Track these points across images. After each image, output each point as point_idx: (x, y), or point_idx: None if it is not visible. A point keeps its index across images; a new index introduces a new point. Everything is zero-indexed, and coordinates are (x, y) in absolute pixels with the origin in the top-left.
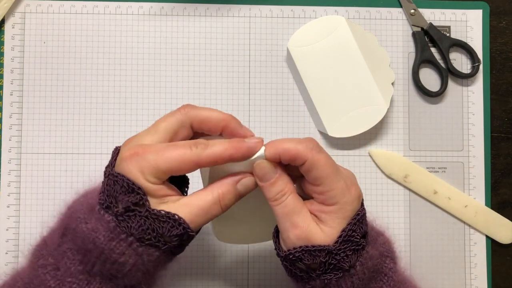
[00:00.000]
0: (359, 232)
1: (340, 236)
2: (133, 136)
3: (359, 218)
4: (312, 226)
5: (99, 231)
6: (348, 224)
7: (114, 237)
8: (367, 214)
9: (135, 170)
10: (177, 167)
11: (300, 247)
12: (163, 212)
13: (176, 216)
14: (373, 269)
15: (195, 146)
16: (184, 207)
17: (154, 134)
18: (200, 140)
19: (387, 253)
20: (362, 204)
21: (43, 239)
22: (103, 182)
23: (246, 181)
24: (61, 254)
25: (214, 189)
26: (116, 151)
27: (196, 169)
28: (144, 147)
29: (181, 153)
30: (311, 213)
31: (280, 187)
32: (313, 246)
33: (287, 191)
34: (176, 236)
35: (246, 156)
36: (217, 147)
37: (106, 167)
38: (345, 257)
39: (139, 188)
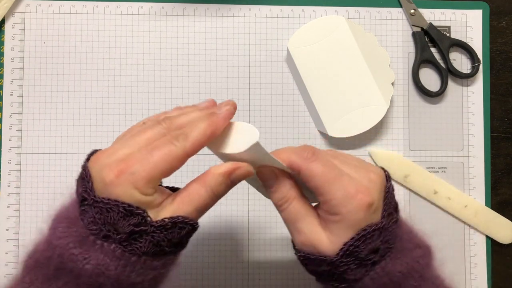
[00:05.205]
0: (365, 248)
1: (341, 249)
2: (102, 152)
3: (366, 234)
4: (317, 233)
5: (107, 263)
6: (351, 239)
7: (125, 263)
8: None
9: (128, 189)
10: (168, 168)
11: (304, 253)
12: (166, 220)
13: (180, 218)
14: (392, 285)
15: (176, 140)
16: (183, 206)
17: (134, 145)
18: (176, 132)
19: (419, 271)
20: (389, 215)
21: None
22: (83, 210)
23: (240, 171)
24: None
25: (206, 182)
26: (87, 174)
27: (186, 161)
28: (126, 161)
29: (167, 152)
30: (321, 217)
31: (282, 194)
32: (314, 255)
33: (290, 198)
34: (187, 235)
35: (225, 125)
36: (197, 132)
37: (83, 193)
38: (348, 270)
39: (138, 208)
